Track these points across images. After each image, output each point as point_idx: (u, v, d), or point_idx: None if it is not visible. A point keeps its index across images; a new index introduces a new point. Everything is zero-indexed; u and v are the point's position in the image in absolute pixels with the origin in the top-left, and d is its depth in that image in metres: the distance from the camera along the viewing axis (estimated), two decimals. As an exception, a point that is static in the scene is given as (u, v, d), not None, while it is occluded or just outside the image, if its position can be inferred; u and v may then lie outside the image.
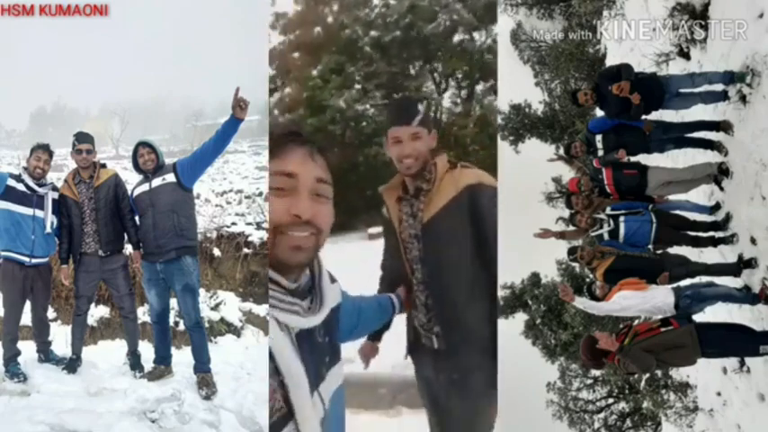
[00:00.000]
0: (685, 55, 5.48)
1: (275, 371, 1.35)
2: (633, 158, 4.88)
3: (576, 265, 6.76)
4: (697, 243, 4.78)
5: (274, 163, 1.38)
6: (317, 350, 1.50)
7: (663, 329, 3.71)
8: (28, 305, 4.44)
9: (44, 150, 4.41)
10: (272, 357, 1.36)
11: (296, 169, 1.37)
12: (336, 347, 1.63)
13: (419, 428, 2.88)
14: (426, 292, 2.65)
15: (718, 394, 5.53)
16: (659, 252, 4.70)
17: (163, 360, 4.47)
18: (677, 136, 4.78)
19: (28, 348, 4.49)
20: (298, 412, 1.36)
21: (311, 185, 1.39)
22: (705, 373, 5.75)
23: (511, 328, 9.47)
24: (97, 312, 5.38)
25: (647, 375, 6.94)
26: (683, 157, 5.12)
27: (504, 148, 10.18)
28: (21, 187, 4.29)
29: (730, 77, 4.41)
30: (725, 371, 5.11)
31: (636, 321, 4.25)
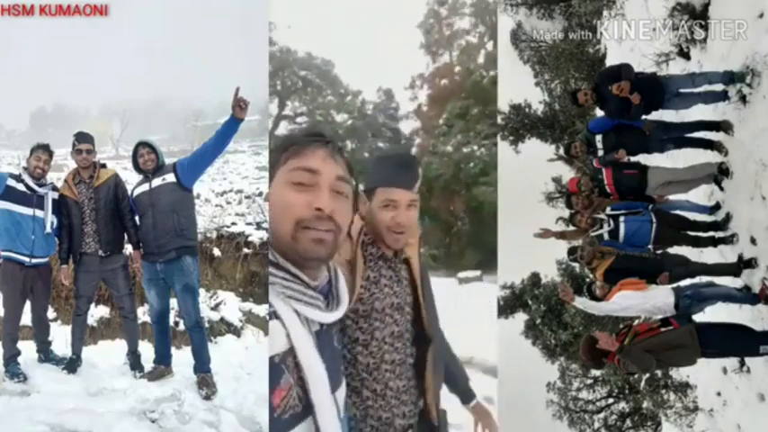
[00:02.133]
0: (685, 55, 5.49)
1: (294, 366, 1.33)
2: (633, 158, 4.88)
3: (576, 265, 6.77)
4: (697, 243, 4.79)
5: (295, 160, 1.39)
6: (335, 355, 1.50)
7: (663, 329, 3.72)
8: (28, 305, 4.44)
9: (44, 150, 4.41)
10: (290, 352, 1.33)
11: (318, 166, 1.39)
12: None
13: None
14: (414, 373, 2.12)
15: (718, 394, 5.54)
16: (659, 252, 4.70)
17: (163, 360, 4.47)
18: (677, 136, 4.79)
19: (28, 348, 4.48)
20: (318, 410, 1.34)
21: (332, 182, 1.40)
22: (705, 373, 5.75)
23: (511, 328, 9.48)
24: (97, 312, 5.37)
25: (647, 375, 6.95)
26: (683, 157, 5.12)
27: (504, 148, 10.20)
28: (21, 187, 4.29)
29: (730, 77, 4.41)
30: (725, 371, 5.11)
31: (636, 321, 4.25)
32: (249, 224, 7.68)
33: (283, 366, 1.31)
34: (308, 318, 1.39)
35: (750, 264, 4.24)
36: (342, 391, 1.52)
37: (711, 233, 4.73)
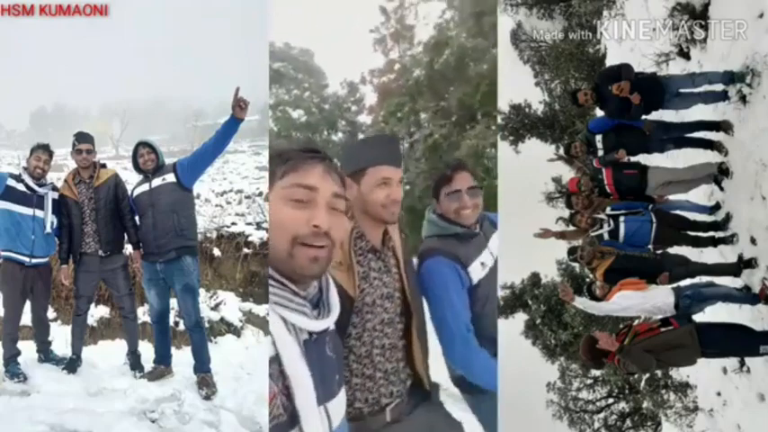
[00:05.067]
0: (685, 55, 5.49)
1: (279, 374, 1.33)
2: (633, 158, 4.88)
3: (576, 265, 6.76)
4: (697, 243, 4.78)
5: (292, 176, 1.41)
6: (327, 364, 1.48)
7: (663, 329, 3.72)
8: (28, 305, 4.44)
9: (44, 150, 4.41)
10: (276, 359, 1.33)
11: (316, 183, 1.41)
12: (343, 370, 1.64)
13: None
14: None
15: (718, 394, 5.53)
16: (659, 252, 4.70)
17: (163, 360, 4.47)
18: (677, 136, 4.78)
19: (28, 348, 4.48)
20: (303, 421, 1.33)
21: (329, 199, 1.43)
22: (705, 373, 5.75)
23: (511, 328, 9.48)
24: (97, 312, 5.37)
25: (647, 375, 6.94)
26: (683, 157, 5.12)
27: (504, 148, 10.19)
28: (21, 187, 4.29)
29: (730, 77, 4.41)
30: (725, 371, 5.11)
31: (636, 321, 4.25)
32: (249, 224, 7.68)
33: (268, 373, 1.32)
34: (296, 325, 1.39)
35: (750, 264, 4.24)
36: (338, 402, 1.50)
37: (711, 233, 4.72)
